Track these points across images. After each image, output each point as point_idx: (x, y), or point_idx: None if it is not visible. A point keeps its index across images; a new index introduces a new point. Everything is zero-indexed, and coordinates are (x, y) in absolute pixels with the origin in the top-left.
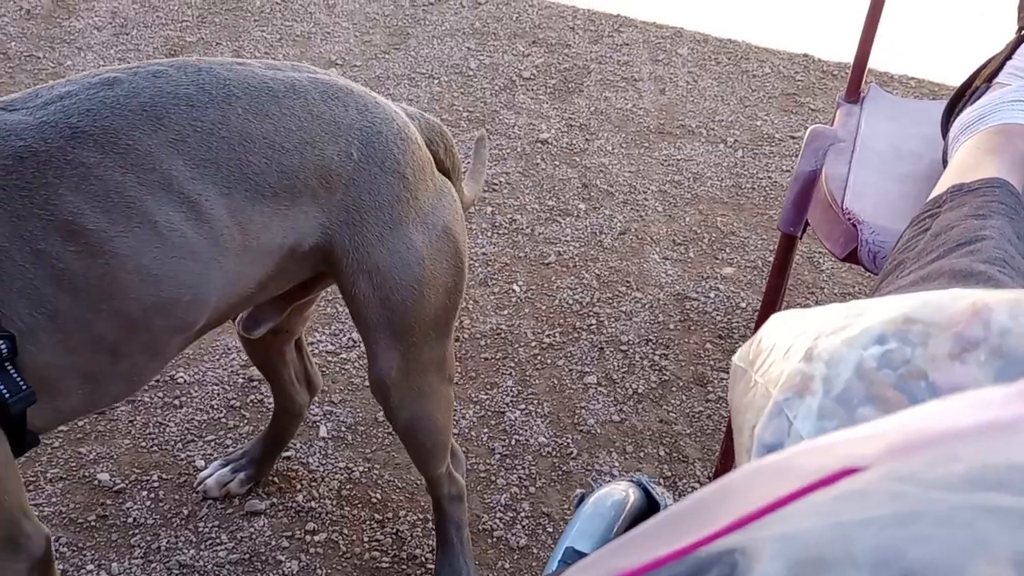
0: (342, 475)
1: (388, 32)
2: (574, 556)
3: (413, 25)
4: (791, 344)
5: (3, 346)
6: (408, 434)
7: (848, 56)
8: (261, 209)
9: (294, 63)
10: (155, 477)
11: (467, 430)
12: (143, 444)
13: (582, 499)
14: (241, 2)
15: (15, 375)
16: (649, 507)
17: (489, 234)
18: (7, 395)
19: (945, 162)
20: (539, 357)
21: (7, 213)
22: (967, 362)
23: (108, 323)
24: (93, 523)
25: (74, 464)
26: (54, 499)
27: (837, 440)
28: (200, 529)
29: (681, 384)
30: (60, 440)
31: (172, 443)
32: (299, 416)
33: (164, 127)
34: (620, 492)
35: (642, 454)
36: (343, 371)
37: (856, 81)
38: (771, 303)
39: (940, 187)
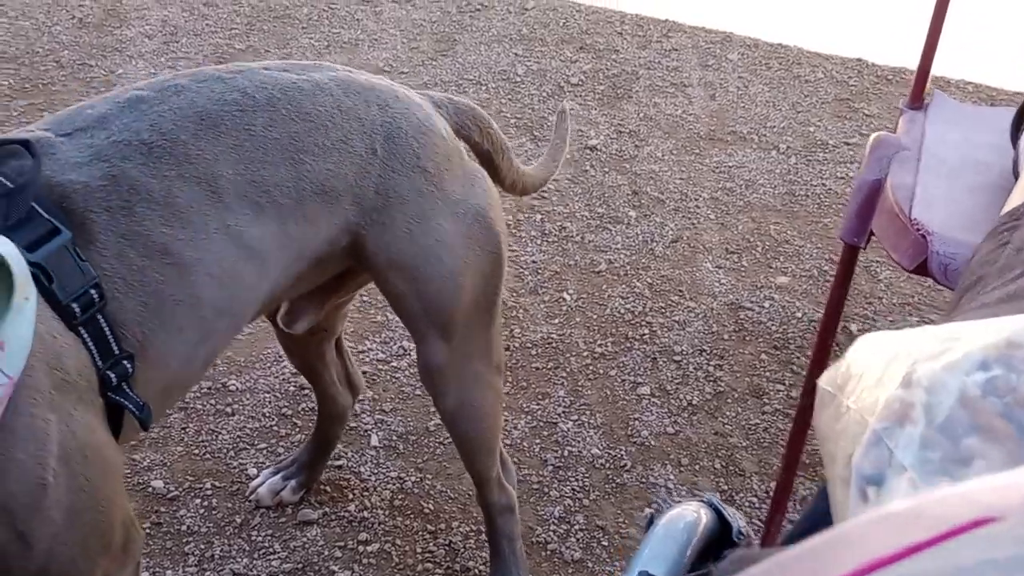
0: (394, 485)
1: (435, 39)
2: None
3: (460, 31)
4: (885, 369)
5: (127, 366)
6: (455, 422)
7: (903, 60)
8: (311, 208)
9: (314, 62)
10: (208, 485)
11: (519, 440)
12: (196, 452)
13: (651, 520)
14: (289, 10)
15: (132, 393)
16: (721, 529)
17: (539, 242)
18: (137, 412)
19: (1016, 172)
20: (591, 367)
21: (115, 234)
22: None
23: (191, 333)
24: (148, 530)
25: (128, 471)
26: None
27: (970, 489)
28: (253, 538)
29: (736, 396)
30: None
31: (224, 451)
32: (343, 418)
33: (223, 134)
34: (692, 513)
35: (697, 467)
36: (394, 379)
37: (919, 87)
38: (833, 315)
39: (1016, 198)
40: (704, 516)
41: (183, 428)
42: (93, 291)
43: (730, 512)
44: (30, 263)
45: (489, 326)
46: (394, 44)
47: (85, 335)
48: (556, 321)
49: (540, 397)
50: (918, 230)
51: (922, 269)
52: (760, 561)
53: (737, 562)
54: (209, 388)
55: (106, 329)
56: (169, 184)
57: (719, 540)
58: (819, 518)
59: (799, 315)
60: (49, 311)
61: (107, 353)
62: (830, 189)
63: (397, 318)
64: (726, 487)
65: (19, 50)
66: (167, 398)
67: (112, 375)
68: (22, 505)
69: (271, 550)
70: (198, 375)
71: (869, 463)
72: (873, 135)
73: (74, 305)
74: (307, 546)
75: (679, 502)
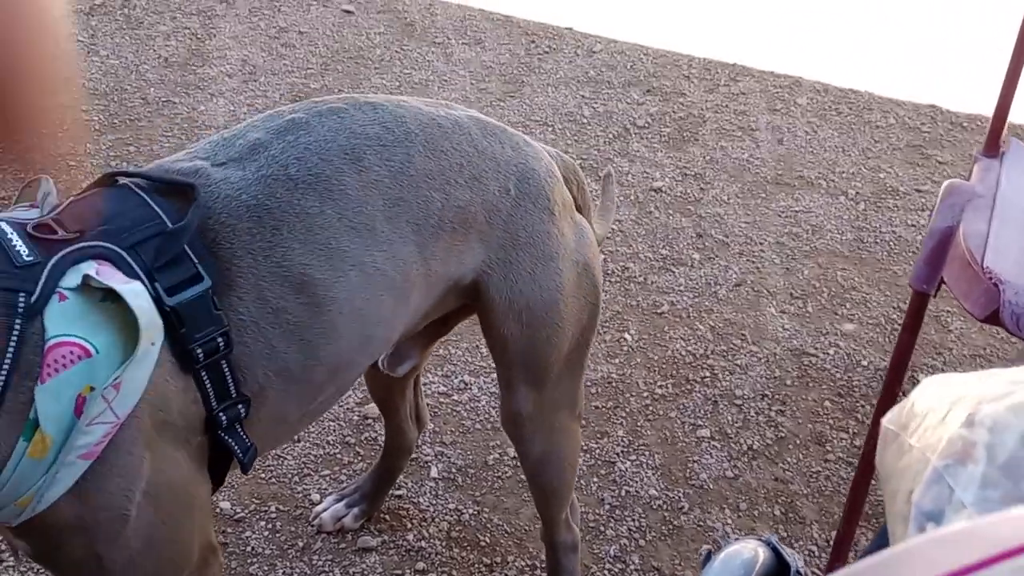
0: (452, 516)
1: (503, 80)
2: None
3: (528, 73)
4: (949, 409)
5: (242, 410)
6: (538, 471)
7: (978, 107)
8: (441, 244)
9: (446, 102)
10: (273, 508)
11: (577, 478)
12: (263, 475)
13: (709, 556)
14: (362, 51)
15: (243, 434)
16: (779, 569)
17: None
18: (240, 455)
19: None
20: (651, 408)
21: (254, 277)
22: None
23: (323, 369)
24: None
25: None
26: None
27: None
28: (314, 562)
29: (798, 442)
30: None
31: (290, 476)
32: (409, 451)
33: (365, 169)
34: (749, 551)
35: (756, 512)
36: (454, 413)
37: (995, 135)
38: (901, 363)
39: None
40: (762, 554)
41: None
42: (220, 339)
43: (788, 552)
44: (167, 307)
45: (578, 376)
46: (463, 85)
47: (204, 377)
48: (617, 361)
49: (599, 436)
50: (990, 279)
51: (993, 318)
52: None
53: None
54: None
55: (227, 374)
56: (312, 221)
57: None
58: None
59: (864, 363)
60: (169, 355)
61: (223, 396)
62: (900, 236)
63: (460, 352)
64: (785, 534)
65: (109, 87)
66: (282, 436)
67: (224, 417)
68: (103, 531)
69: (331, 575)
70: (320, 413)
71: (929, 500)
72: (946, 182)
73: (199, 351)
74: (366, 573)
75: (737, 539)
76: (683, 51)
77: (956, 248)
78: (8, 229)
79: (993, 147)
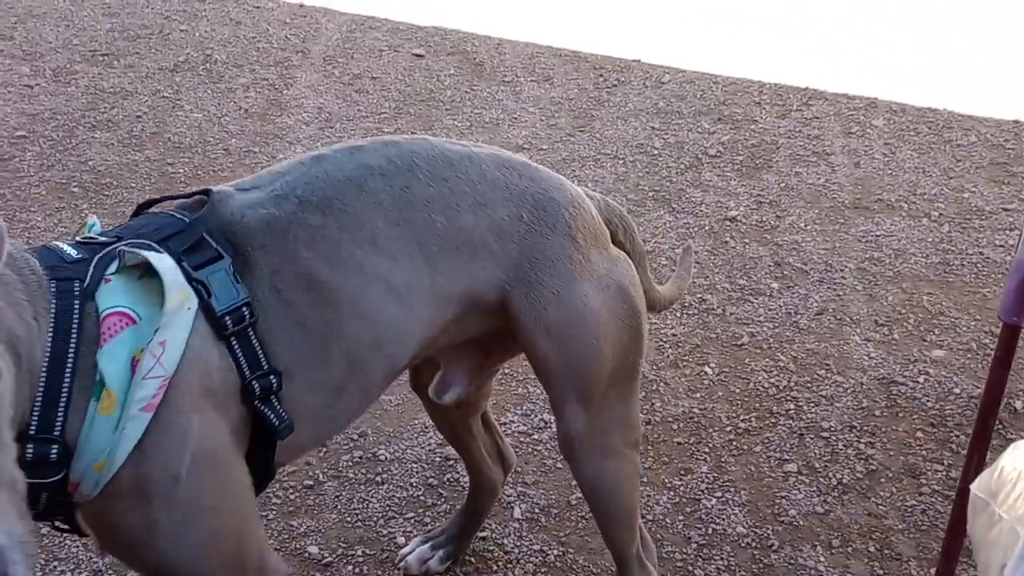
0: (537, 558)
1: (573, 115)
2: None
3: (597, 107)
4: None
5: (274, 380)
6: (593, 493)
7: None
8: (446, 261)
9: (476, 142)
10: (360, 552)
11: (661, 516)
12: (348, 519)
13: None
14: (433, 93)
15: (278, 407)
16: None
17: (679, 315)
18: (276, 422)
19: None
20: (734, 443)
21: (268, 268)
22: None
23: (338, 363)
24: None
25: (286, 536)
26: None
27: None
28: None
29: (891, 475)
30: (273, 513)
31: (375, 519)
32: (493, 492)
33: (365, 192)
34: None
35: (850, 549)
36: (535, 452)
37: None
38: (994, 397)
39: None
40: None
41: (336, 496)
42: (245, 309)
43: None
44: (194, 279)
45: (628, 400)
46: (533, 122)
47: (236, 346)
48: (697, 395)
49: (682, 473)
50: None
51: None
52: None
53: None
54: (360, 457)
55: (256, 345)
56: (315, 232)
57: None
58: None
59: (957, 391)
60: (203, 323)
61: (255, 366)
62: (988, 258)
63: (539, 390)
64: (881, 572)
65: (193, 140)
66: (319, 428)
67: (257, 386)
68: (157, 492)
69: None
70: (351, 411)
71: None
72: None
73: (227, 319)
74: None
75: None
76: (753, 77)
77: None
78: (57, 244)
79: None
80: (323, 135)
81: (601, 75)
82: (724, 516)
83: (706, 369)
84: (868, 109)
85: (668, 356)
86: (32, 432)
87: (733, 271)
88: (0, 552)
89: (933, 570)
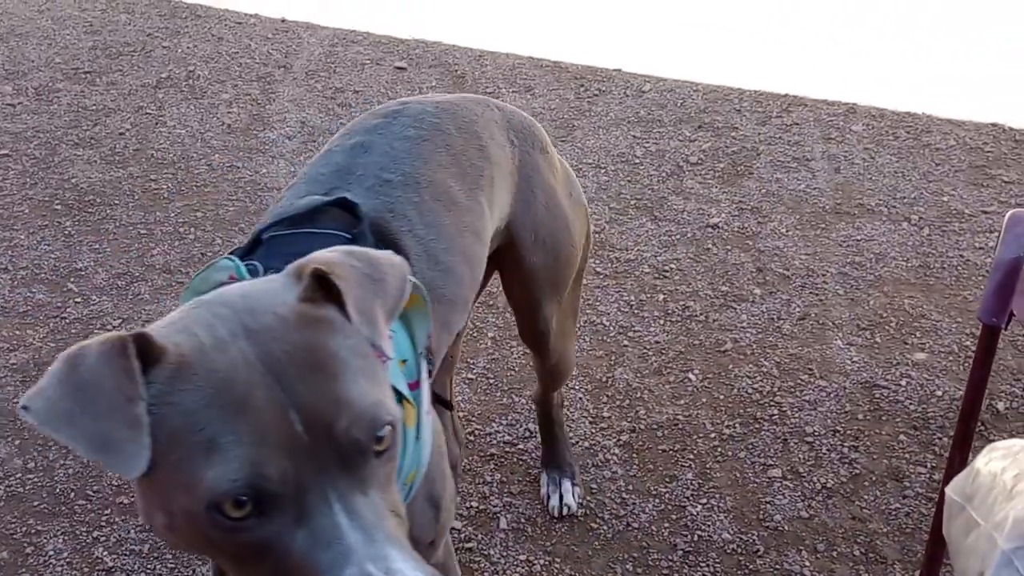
0: (523, 568)
1: (554, 125)
2: None
3: (578, 117)
4: (1015, 483)
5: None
6: (555, 370)
7: None
8: (490, 196)
9: (445, 93)
10: None
11: (647, 524)
12: None
13: None
14: None
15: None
16: None
17: (662, 322)
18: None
19: None
20: (719, 449)
21: (411, 252)
22: None
23: (450, 307)
24: None
25: None
26: None
27: None
28: None
29: (874, 479)
30: None
31: None
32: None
33: (427, 160)
34: None
35: (835, 553)
36: (521, 462)
37: None
38: (975, 399)
39: None
40: None
41: None
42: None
43: None
44: None
45: (578, 288)
46: None
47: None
48: (682, 402)
49: (667, 480)
50: None
51: None
52: None
53: None
54: None
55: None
56: (417, 206)
57: None
58: None
59: (939, 393)
60: None
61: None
62: (968, 260)
63: (524, 400)
64: (867, 575)
65: (176, 156)
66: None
67: (428, 364)
68: (436, 472)
69: None
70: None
71: None
72: (1009, 212)
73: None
74: None
75: None
76: (733, 84)
77: None
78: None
79: None
80: (306, 149)
81: (582, 85)
82: (709, 522)
83: (690, 376)
84: (847, 115)
85: (652, 363)
86: None
87: (715, 278)
88: None
89: (917, 573)
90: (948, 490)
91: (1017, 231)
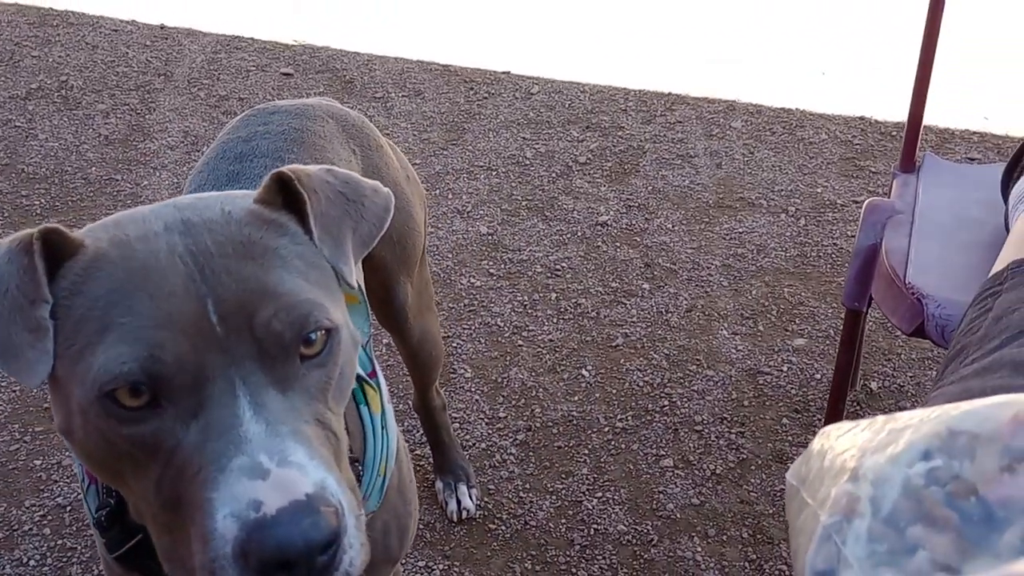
0: (422, 574)
1: (445, 129)
2: None
3: (469, 120)
4: (839, 463)
5: None
6: (420, 347)
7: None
8: None
9: (289, 100)
10: None
11: (544, 522)
12: None
13: None
14: None
15: None
16: None
17: (555, 320)
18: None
19: (1008, 227)
20: (613, 442)
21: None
22: (1018, 474)
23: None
24: None
25: None
26: None
27: None
28: None
29: (760, 462)
30: None
31: None
32: None
33: (307, 147)
34: None
35: (725, 537)
36: (418, 468)
37: (910, 150)
38: (842, 380)
39: (1001, 261)
40: None
41: None
42: None
43: None
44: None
45: (424, 267)
46: (406, 136)
47: None
48: (576, 398)
49: (564, 476)
50: (913, 294)
51: (920, 332)
52: None
53: None
54: None
55: None
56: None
57: None
58: None
59: (818, 376)
60: None
61: None
62: (841, 248)
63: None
64: (755, 556)
65: (49, 170)
66: None
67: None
68: (403, 468)
69: None
70: None
71: (821, 559)
72: (867, 201)
73: None
74: None
75: None
76: (619, 85)
77: (881, 265)
78: None
79: (909, 162)
80: (190, 159)
81: (471, 88)
82: (605, 516)
83: (583, 372)
84: (727, 112)
85: (546, 361)
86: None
87: (606, 275)
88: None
89: None
90: (788, 475)
91: (873, 219)
